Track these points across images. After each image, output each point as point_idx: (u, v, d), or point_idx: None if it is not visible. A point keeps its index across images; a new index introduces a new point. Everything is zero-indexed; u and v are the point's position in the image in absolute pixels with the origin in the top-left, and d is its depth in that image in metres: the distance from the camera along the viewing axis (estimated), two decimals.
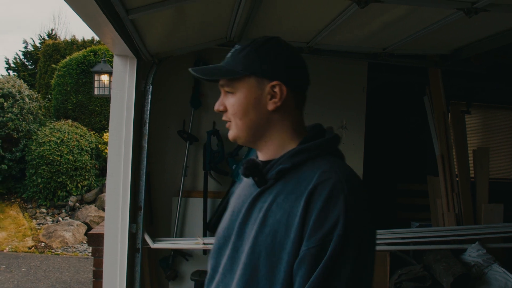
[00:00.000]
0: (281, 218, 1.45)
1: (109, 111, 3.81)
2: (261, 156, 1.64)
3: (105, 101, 12.12)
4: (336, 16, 3.24)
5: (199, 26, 3.61)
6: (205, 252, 4.38)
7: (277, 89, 1.55)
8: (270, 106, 1.56)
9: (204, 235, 4.36)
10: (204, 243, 4.04)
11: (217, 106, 1.63)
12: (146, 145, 3.95)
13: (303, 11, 3.30)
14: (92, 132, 11.74)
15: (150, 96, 3.96)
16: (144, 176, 3.95)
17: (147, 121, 3.96)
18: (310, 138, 1.58)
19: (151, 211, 4.32)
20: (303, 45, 4.18)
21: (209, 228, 4.40)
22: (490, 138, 7.41)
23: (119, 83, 3.76)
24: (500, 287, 4.05)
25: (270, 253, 1.46)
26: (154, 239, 4.01)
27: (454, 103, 5.98)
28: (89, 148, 10.93)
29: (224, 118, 1.64)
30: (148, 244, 3.96)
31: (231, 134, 1.63)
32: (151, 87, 3.96)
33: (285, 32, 3.90)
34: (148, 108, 3.96)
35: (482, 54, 4.53)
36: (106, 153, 10.96)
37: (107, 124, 12.09)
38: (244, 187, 1.67)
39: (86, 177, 10.76)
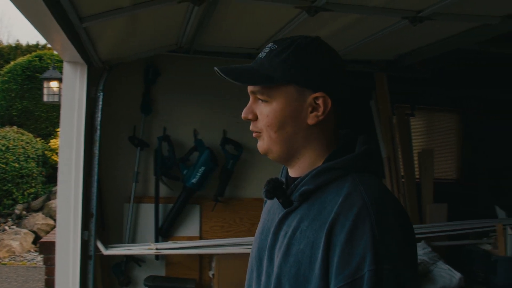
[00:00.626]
0: (305, 248, 1.31)
1: (56, 117, 3.80)
2: (291, 173, 1.48)
3: (52, 107, 11.91)
4: (287, 23, 3.31)
5: (151, 33, 3.63)
6: (158, 257, 4.40)
7: (320, 101, 1.36)
8: (311, 120, 1.38)
9: (156, 241, 4.37)
10: (156, 249, 4.06)
11: (246, 114, 1.45)
12: (97, 152, 3.96)
13: (254, 19, 3.35)
14: (38, 139, 11.53)
15: (101, 103, 3.96)
16: (96, 183, 3.95)
17: (98, 127, 3.96)
18: (337, 152, 1.41)
19: (103, 218, 4.31)
20: (253, 51, 4.26)
21: (161, 233, 4.41)
22: (434, 140, 7.58)
23: (69, 90, 3.76)
24: (445, 283, 4.17)
25: (294, 286, 1.32)
26: (106, 245, 4.01)
27: (399, 106, 6.13)
28: (35, 155, 10.72)
29: (252, 128, 1.45)
30: (101, 251, 3.96)
31: (262, 147, 1.44)
32: (102, 93, 3.96)
33: (236, 38, 3.97)
34: (99, 115, 3.96)
35: (426, 60, 4.68)
36: (53, 160, 10.81)
37: (54, 131, 11.94)
38: (274, 201, 1.50)
39: (33, 184, 10.56)
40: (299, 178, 1.40)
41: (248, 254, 3.69)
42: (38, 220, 9.97)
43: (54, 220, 8.94)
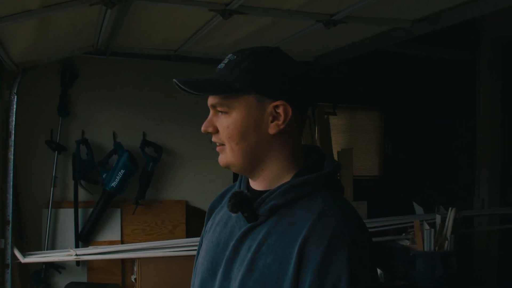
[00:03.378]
0: (272, 263, 1.29)
1: None
2: (254, 185, 1.47)
3: None
4: (203, 25, 3.31)
5: (66, 35, 3.55)
6: (78, 263, 4.31)
7: (280, 110, 1.36)
8: (272, 129, 1.37)
9: (77, 246, 4.28)
10: (76, 254, 3.98)
11: (205, 127, 1.43)
12: (12, 157, 3.83)
13: (170, 21, 3.34)
14: None
15: (15, 106, 3.84)
16: (12, 189, 3.83)
17: (13, 132, 3.84)
18: (307, 169, 1.41)
19: (21, 225, 4.19)
20: (171, 53, 4.24)
21: (82, 239, 4.33)
22: (357, 138, 7.76)
23: None
24: None
25: None
26: (24, 253, 3.90)
27: (320, 105, 6.23)
28: None
29: (214, 140, 1.44)
30: (19, 259, 3.85)
31: (223, 160, 1.43)
32: (15, 96, 3.84)
33: (153, 40, 3.94)
34: (14, 119, 3.84)
35: (344, 61, 4.77)
36: None
37: None
38: (230, 214, 1.46)
39: None
40: (267, 192, 1.39)
41: (170, 257, 3.67)
42: None
43: None
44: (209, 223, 1.63)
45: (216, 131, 1.42)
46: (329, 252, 1.23)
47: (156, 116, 4.63)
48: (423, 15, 3.08)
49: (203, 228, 1.70)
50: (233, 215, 1.45)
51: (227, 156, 1.41)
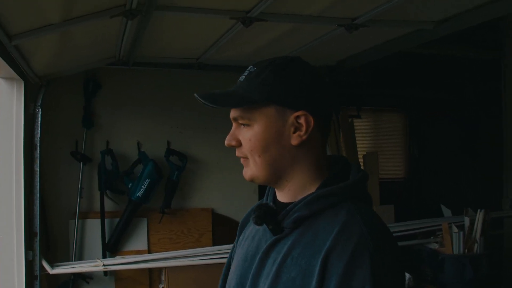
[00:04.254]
0: (296, 276, 1.27)
1: None
2: (281, 197, 1.44)
3: None
4: (223, 33, 3.30)
5: (87, 47, 3.57)
6: (106, 273, 4.33)
7: (302, 120, 1.33)
8: (294, 140, 1.35)
9: (104, 256, 4.30)
10: (104, 265, 3.99)
11: (229, 141, 1.41)
12: (38, 169, 3.87)
13: (191, 30, 3.33)
14: None
15: (39, 119, 3.89)
16: (38, 201, 3.86)
17: (38, 144, 3.88)
18: (332, 179, 1.39)
19: (48, 236, 4.22)
20: (192, 61, 4.24)
21: (108, 249, 4.35)
22: (381, 140, 7.71)
23: (6, 107, 3.66)
24: None
25: None
26: (52, 264, 3.92)
27: (343, 108, 6.20)
28: None
29: (238, 154, 1.42)
30: (47, 270, 3.87)
31: (248, 173, 1.42)
32: (40, 109, 3.88)
33: (174, 49, 3.94)
34: (39, 132, 3.88)
35: (366, 64, 4.74)
36: None
37: None
38: (258, 227, 1.47)
39: None
40: (292, 203, 1.37)
41: (198, 265, 3.66)
42: None
43: None
44: (240, 238, 1.63)
45: (240, 144, 1.41)
46: (351, 264, 1.20)
47: (179, 124, 4.64)
48: (447, 15, 3.03)
49: (234, 242, 1.69)
50: (260, 228, 1.45)
51: (251, 169, 1.40)
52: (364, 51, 4.07)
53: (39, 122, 3.89)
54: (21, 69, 3.30)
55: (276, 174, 1.39)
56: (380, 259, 1.21)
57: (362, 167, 5.36)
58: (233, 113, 1.40)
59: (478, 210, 4.35)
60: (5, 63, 2.93)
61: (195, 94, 1.38)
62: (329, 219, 1.30)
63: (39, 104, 3.88)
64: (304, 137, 1.34)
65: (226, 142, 1.42)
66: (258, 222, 1.39)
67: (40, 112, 3.89)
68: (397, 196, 6.13)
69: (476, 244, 4.31)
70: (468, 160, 7.07)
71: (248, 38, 3.30)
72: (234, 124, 1.42)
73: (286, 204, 1.39)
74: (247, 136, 1.38)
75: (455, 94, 7.10)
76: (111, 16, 2.66)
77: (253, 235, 1.50)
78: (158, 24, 3.09)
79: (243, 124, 1.39)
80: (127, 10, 2.64)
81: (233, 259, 1.63)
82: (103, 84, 4.43)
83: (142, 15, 2.71)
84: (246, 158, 1.41)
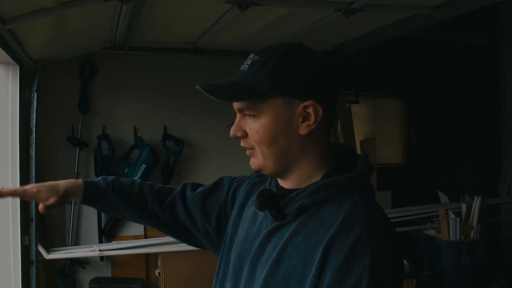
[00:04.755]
0: (296, 264, 1.26)
1: None
2: (284, 183, 1.41)
3: None
4: (219, 18, 3.28)
5: (82, 31, 3.54)
6: (102, 258, 4.33)
7: (310, 110, 1.30)
8: (303, 130, 1.31)
9: (100, 241, 4.31)
10: (100, 250, 3.98)
11: (234, 132, 1.37)
12: (34, 154, 3.84)
13: (187, 14, 3.31)
14: None
15: (35, 103, 3.86)
16: None
17: (34, 129, 3.85)
18: (337, 169, 1.36)
19: (44, 221, 4.21)
20: (189, 46, 4.22)
21: (105, 234, 4.35)
22: (379, 125, 7.67)
23: (1, 92, 3.64)
24: None
25: None
26: (48, 249, 3.91)
27: (342, 93, 6.16)
28: None
29: (243, 144, 1.38)
30: (43, 256, 3.87)
31: (255, 163, 1.38)
32: (35, 94, 3.85)
33: (171, 33, 3.92)
34: (34, 116, 3.85)
35: (364, 49, 4.71)
36: None
37: None
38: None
39: None
40: (296, 190, 1.34)
41: (194, 251, 3.63)
42: None
43: None
44: (242, 216, 1.56)
45: (246, 135, 1.36)
46: (351, 255, 1.18)
47: (176, 110, 4.62)
48: (444, 0, 3.01)
49: (224, 197, 1.64)
50: (261, 212, 1.41)
51: (259, 160, 1.36)
52: (361, 36, 4.05)
53: (35, 107, 3.86)
54: (15, 53, 3.28)
55: (284, 165, 1.36)
56: (380, 255, 1.19)
57: (359, 152, 5.40)
58: (238, 104, 1.35)
59: (475, 197, 4.34)
60: None
61: (197, 87, 1.33)
62: (332, 209, 1.28)
63: (35, 88, 3.86)
64: (313, 126, 1.31)
65: (231, 133, 1.37)
66: (260, 208, 1.36)
67: (35, 97, 3.86)
68: (395, 182, 6.12)
69: (473, 231, 4.30)
70: (466, 147, 7.06)
71: (244, 22, 3.28)
72: (238, 115, 1.37)
73: (289, 191, 1.37)
74: (254, 127, 1.33)
75: (454, 80, 7.06)
76: (105, 0, 2.64)
77: (253, 217, 1.47)
78: (153, 8, 3.07)
79: (249, 115, 1.34)
80: None
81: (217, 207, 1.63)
82: (99, 68, 4.42)
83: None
84: (252, 149, 1.37)
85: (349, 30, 3.93)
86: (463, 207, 4.34)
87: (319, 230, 1.26)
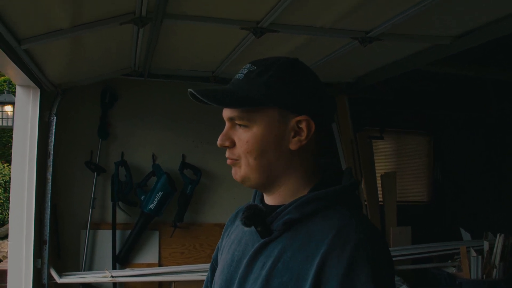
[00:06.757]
0: (288, 281, 1.23)
1: None
2: (269, 200, 1.40)
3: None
4: (237, 45, 3.28)
5: (102, 56, 3.58)
6: (115, 285, 4.30)
7: (303, 125, 1.30)
8: (293, 145, 1.31)
9: (114, 268, 4.28)
10: (112, 276, 3.97)
11: (222, 141, 1.35)
12: (50, 177, 3.89)
13: (204, 42, 3.33)
14: (6, 165, 11.36)
15: (54, 127, 3.91)
16: (49, 209, 3.87)
17: (52, 152, 3.90)
18: (323, 183, 1.35)
19: (59, 245, 4.21)
20: (208, 74, 4.22)
21: (119, 260, 4.32)
22: (405, 162, 7.59)
23: (22, 114, 3.71)
24: None
25: None
26: (61, 273, 3.91)
27: (366, 129, 6.11)
28: (2, 181, 10.53)
29: (228, 155, 1.37)
30: (54, 279, 3.86)
31: (239, 175, 1.36)
32: (55, 117, 3.90)
33: (190, 61, 3.94)
34: (53, 140, 3.91)
35: (386, 81, 4.68)
36: None
37: None
38: (245, 230, 1.41)
39: (0, 211, 10.38)
40: (282, 206, 1.33)
41: None
42: (4, 247, 9.76)
43: None
44: (224, 242, 1.57)
45: (233, 145, 1.35)
46: (353, 266, 1.17)
47: (195, 138, 4.61)
48: (464, 30, 2.98)
49: (218, 244, 1.64)
50: (247, 232, 1.39)
51: (243, 170, 1.34)
52: (381, 68, 4.01)
53: (54, 130, 3.91)
54: (35, 76, 3.33)
55: (269, 178, 1.35)
56: (378, 262, 1.20)
57: (380, 187, 5.31)
58: (229, 113, 1.34)
59: (498, 234, 4.25)
60: (19, 70, 2.96)
61: (189, 90, 1.33)
62: (322, 223, 1.26)
63: (54, 112, 3.91)
64: (304, 142, 1.31)
65: (218, 142, 1.36)
66: (247, 223, 1.32)
67: (55, 120, 3.91)
68: (418, 220, 6.00)
69: (495, 270, 4.21)
70: (493, 182, 6.93)
71: (262, 51, 3.27)
72: (228, 124, 1.36)
73: (275, 207, 1.35)
74: (244, 137, 1.32)
75: (481, 114, 6.97)
76: (120, 23, 2.66)
77: (239, 238, 1.44)
78: (170, 35, 3.09)
79: (240, 125, 1.33)
80: (137, 17, 2.64)
81: (216, 263, 1.59)
82: (119, 95, 4.44)
83: (152, 23, 2.70)
84: (237, 160, 1.35)
85: (369, 61, 3.91)
86: (486, 245, 4.26)
87: (308, 244, 1.24)
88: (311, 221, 1.28)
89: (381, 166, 6.62)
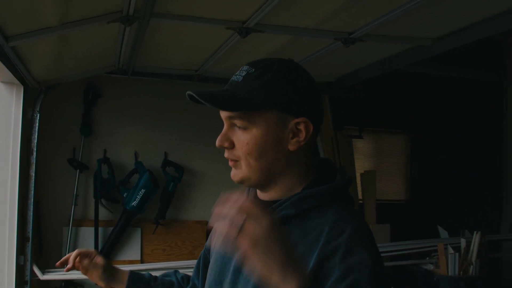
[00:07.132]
0: None
1: None
2: (263, 196, 1.43)
3: None
4: (221, 44, 3.31)
5: (86, 53, 3.58)
6: None
7: (302, 127, 1.32)
8: (292, 146, 1.33)
9: None
10: None
11: (221, 142, 1.36)
12: (33, 174, 3.87)
13: (189, 40, 3.35)
14: None
15: (37, 124, 3.89)
16: (32, 206, 3.86)
17: (35, 149, 3.89)
18: (317, 180, 1.39)
19: (41, 242, 4.20)
20: (192, 73, 4.24)
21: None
22: (383, 161, 7.67)
23: (5, 111, 3.69)
24: None
25: None
26: (43, 270, 3.91)
27: (346, 128, 6.17)
28: None
29: (228, 155, 1.38)
30: (37, 276, 3.86)
31: (238, 175, 1.38)
32: (38, 115, 3.89)
33: (174, 60, 3.95)
34: (36, 137, 3.89)
35: (367, 81, 4.73)
36: None
37: None
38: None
39: None
40: (278, 202, 1.36)
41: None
42: None
43: None
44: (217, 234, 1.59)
45: (232, 146, 1.36)
46: (349, 253, 1.21)
47: (177, 136, 4.63)
48: (444, 33, 3.04)
49: (206, 244, 1.69)
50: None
51: (243, 171, 1.36)
52: (362, 68, 4.06)
53: (37, 128, 3.90)
54: (20, 73, 3.32)
55: (268, 178, 1.37)
56: (371, 247, 1.25)
57: (359, 186, 5.37)
58: (228, 113, 1.35)
59: (475, 232, 4.32)
60: (3, 65, 2.95)
61: (188, 92, 1.34)
62: (317, 219, 1.30)
63: (38, 109, 3.90)
64: (302, 143, 1.34)
65: (217, 143, 1.37)
66: None
67: (38, 118, 3.90)
68: (396, 218, 6.08)
69: (471, 267, 4.28)
70: (469, 183, 7.03)
71: (246, 49, 3.31)
72: (226, 125, 1.37)
73: (269, 203, 1.38)
74: (243, 139, 1.33)
75: (458, 115, 7.07)
76: (108, 21, 2.68)
77: None
78: (156, 34, 3.11)
79: (239, 126, 1.34)
80: (124, 16, 2.66)
81: (209, 252, 1.64)
82: (103, 92, 4.44)
83: (139, 22, 2.72)
84: (237, 160, 1.37)
85: (350, 62, 3.95)
86: (463, 242, 4.32)
87: (306, 238, 1.28)
88: (306, 217, 1.32)
89: (360, 165, 6.69)
